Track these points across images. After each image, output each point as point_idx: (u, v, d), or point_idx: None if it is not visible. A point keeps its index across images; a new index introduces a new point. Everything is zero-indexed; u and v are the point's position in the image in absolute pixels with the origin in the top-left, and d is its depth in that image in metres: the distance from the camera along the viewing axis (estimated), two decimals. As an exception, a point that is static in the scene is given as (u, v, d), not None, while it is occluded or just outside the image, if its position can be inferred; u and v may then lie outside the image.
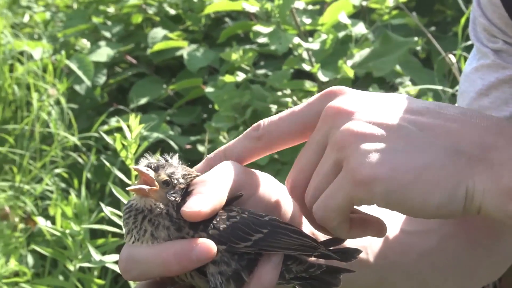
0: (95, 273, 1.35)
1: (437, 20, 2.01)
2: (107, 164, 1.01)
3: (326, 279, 0.54)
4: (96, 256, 1.24)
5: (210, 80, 1.79)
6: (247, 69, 1.61)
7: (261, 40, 1.51)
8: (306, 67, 1.49)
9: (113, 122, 1.75)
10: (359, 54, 1.55)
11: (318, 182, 0.49)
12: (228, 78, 1.55)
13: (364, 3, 1.65)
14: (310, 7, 1.63)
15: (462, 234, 0.66)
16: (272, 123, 0.53)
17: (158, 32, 1.94)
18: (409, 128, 0.47)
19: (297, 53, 1.51)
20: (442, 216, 0.47)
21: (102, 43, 1.98)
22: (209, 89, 1.60)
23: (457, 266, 0.66)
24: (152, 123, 1.67)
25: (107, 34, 2.03)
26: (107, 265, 1.18)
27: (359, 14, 1.80)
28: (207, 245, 0.49)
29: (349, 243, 0.55)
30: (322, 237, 0.55)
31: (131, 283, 1.34)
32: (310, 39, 1.53)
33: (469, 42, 1.52)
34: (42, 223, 1.51)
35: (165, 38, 1.92)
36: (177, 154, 0.54)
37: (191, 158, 1.43)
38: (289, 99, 1.56)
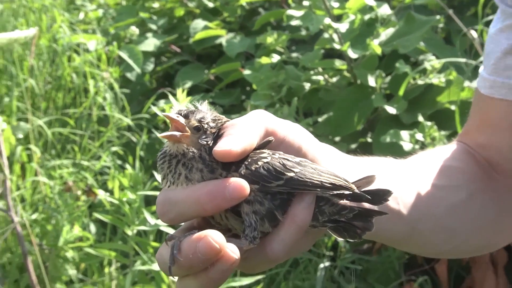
0: (151, 237, 1.42)
1: (454, 4, 2.02)
2: (159, 140, 1.03)
3: (359, 223, 0.53)
4: (151, 220, 1.31)
5: (247, 65, 1.88)
6: (281, 51, 1.68)
7: (294, 22, 1.57)
8: (336, 46, 1.56)
9: (162, 104, 1.85)
10: (385, 33, 1.60)
11: None
12: (264, 60, 1.63)
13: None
14: (338, -8, 1.67)
15: (490, 191, 0.68)
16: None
17: (199, 23, 2.04)
18: None
19: (327, 35, 1.58)
20: None
21: (149, 34, 2.09)
22: (246, 71, 1.68)
23: (485, 221, 0.68)
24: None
25: (153, 27, 2.14)
26: (161, 228, 1.26)
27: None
28: (240, 183, 0.49)
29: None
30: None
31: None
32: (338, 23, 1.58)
33: (490, 17, 1.57)
34: (102, 194, 1.61)
35: (205, 28, 2.02)
36: (206, 101, 0.55)
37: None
38: (320, 77, 1.63)
